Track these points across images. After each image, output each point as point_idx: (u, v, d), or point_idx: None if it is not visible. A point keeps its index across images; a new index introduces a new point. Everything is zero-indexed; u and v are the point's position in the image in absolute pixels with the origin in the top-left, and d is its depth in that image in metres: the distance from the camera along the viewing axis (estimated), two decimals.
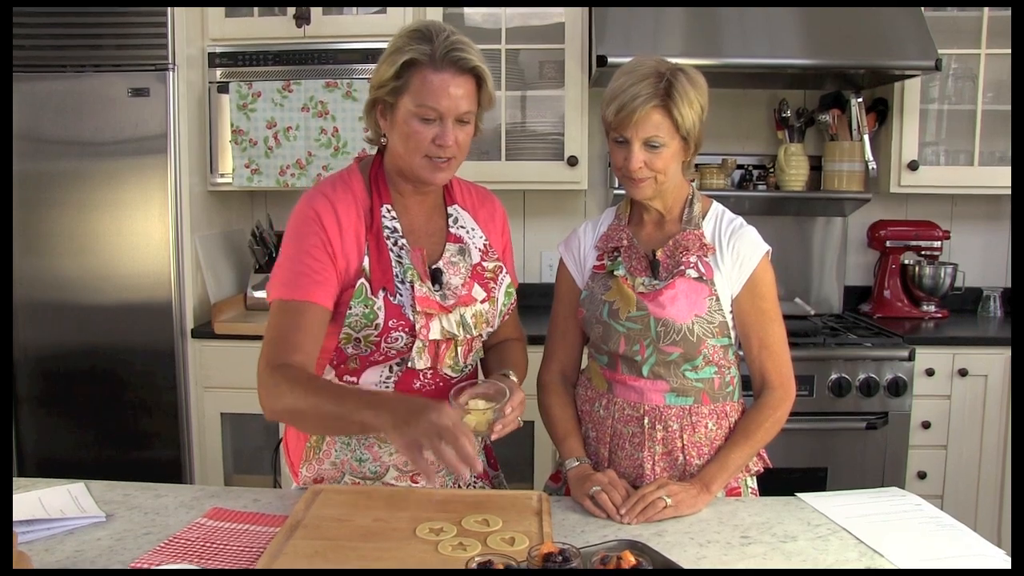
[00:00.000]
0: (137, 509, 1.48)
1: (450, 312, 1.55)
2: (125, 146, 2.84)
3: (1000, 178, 3.11)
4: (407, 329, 1.52)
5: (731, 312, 1.61)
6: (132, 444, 2.94)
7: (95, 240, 2.87)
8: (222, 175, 3.05)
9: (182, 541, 1.34)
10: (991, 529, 2.97)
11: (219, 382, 2.94)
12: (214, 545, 1.33)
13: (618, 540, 1.28)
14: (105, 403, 2.94)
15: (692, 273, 1.59)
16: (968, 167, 3.14)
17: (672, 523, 1.46)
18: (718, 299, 1.59)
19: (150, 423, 2.94)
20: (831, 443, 2.79)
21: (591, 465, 1.63)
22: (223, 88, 2.99)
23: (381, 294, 1.51)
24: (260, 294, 3.13)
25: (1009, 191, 3.19)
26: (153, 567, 1.24)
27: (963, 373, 2.88)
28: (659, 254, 1.63)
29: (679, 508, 1.47)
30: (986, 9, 3.05)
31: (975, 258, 3.46)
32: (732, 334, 1.63)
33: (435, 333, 1.54)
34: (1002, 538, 2.95)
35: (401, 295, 1.52)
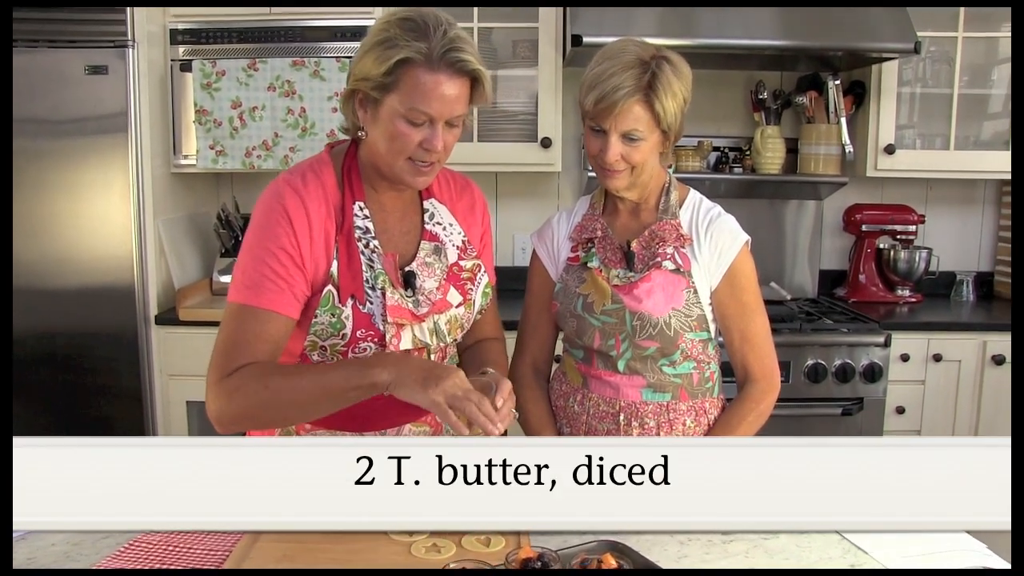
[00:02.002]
0: None
1: (423, 321, 1.47)
2: (83, 125, 2.73)
3: (975, 162, 3.11)
4: (376, 340, 1.44)
5: (710, 305, 1.58)
6: (95, 433, 2.83)
7: (53, 222, 2.77)
8: (186, 157, 2.96)
9: (142, 545, 1.29)
10: None
11: (184, 370, 2.86)
12: (177, 549, 1.28)
13: (597, 540, 1.24)
14: (66, 390, 2.85)
15: (669, 265, 1.55)
16: (944, 151, 3.12)
17: None
18: (696, 291, 1.55)
19: (113, 411, 2.86)
20: (806, 429, 2.78)
21: None
22: (186, 66, 2.89)
23: (350, 303, 1.42)
24: (226, 279, 3.05)
25: (984, 176, 3.21)
26: None
27: (937, 358, 2.88)
28: (634, 245, 1.59)
29: None
30: None
31: (949, 243, 3.46)
32: (711, 327, 1.59)
33: (406, 343, 1.46)
34: None
35: (371, 303, 1.43)
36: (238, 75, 2.86)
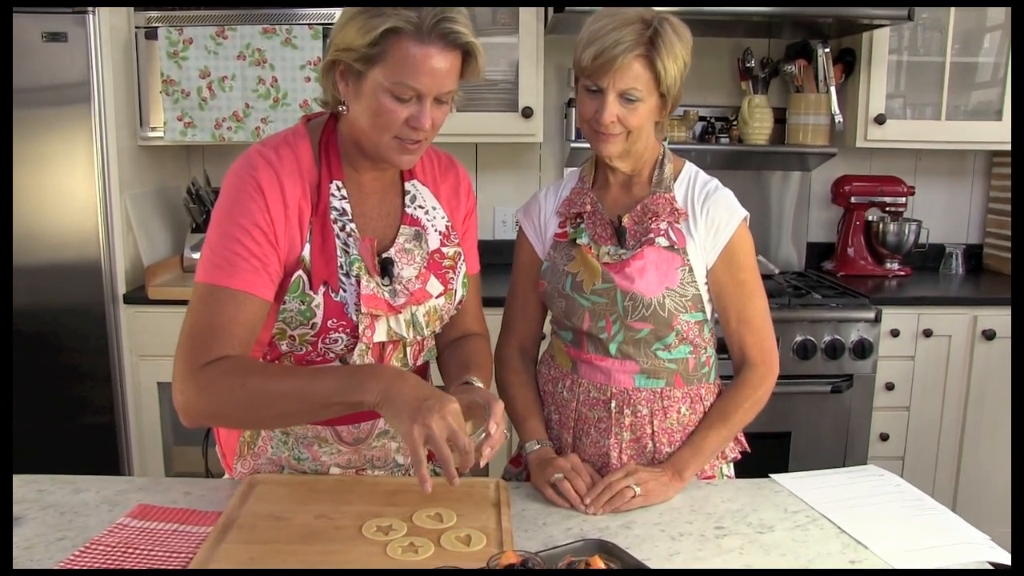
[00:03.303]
0: (52, 508, 1.32)
1: (400, 312, 1.38)
2: (42, 95, 2.59)
3: (966, 132, 3.06)
4: (348, 330, 1.34)
5: (706, 284, 1.49)
6: (63, 413, 2.76)
7: (13, 197, 2.63)
8: (153, 129, 2.83)
9: (100, 548, 1.20)
10: (949, 488, 2.97)
11: (155, 350, 2.76)
12: (136, 552, 1.19)
13: (584, 540, 1.17)
14: (32, 370, 2.73)
15: (662, 241, 1.47)
16: (935, 121, 3.06)
17: (641, 513, 1.35)
18: (691, 270, 1.47)
19: (82, 392, 2.76)
20: (795, 407, 2.73)
21: (553, 448, 1.51)
22: (151, 34, 2.75)
23: (322, 290, 1.31)
24: (198, 255, 2.93)
25: (974, 147, 3.14)
26: None
27: (928, 334, 2.83)
28: (626, 220, 1.50)
29: (649, 497, 1.37)
30: None
31: (938, 214, 3.42)
32: (707, 308, 1.51)
33: (380, 335, 1.37)
34: (957, 499, 2.97)
35: (344, 291, 1.33)
36: (206, 43, 2.73)
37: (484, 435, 1.22)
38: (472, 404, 1.27)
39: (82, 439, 2.76)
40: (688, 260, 1.47)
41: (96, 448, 2.78)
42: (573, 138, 3.11)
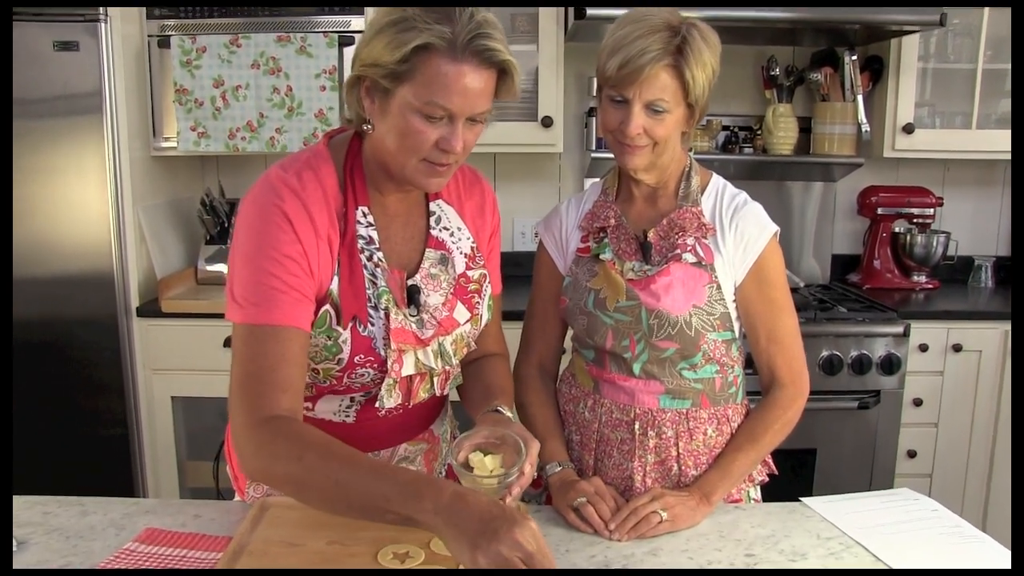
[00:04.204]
0: (57, 532, 1.28)
1: (427, 345, 1.31)
2: (53, 105, 2.55)
3: (997, 142, 2.96)
4: (376, 365, 1.27)
5: (734, 302, 1.44)
6: (76, 426, 2.72)
7: (24, 208, 2.61)
8: (166, 139, 2.80)
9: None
10: (977, 508, 2.89)
11: (168, 364, 2.72)
12: None
13: (610, 571, 1.11)
14: (45, 382, 2.70)
15: (689, 257, 1.41)
16: (965, 130, 2.98)
17: (667, 539, 1.29)
18: (719, 287, 1.41)
19: (95, 405, 2.72)
20: (821, 424, 2.66)
21: (575, 471, 1.45)
22: (164, 43, 2.71)
23: (350, 325, 1.24)
24: (212, 267, 2.91)
25: (1005, 156, 3.05)
26: None
27: (957, 348, 2.75)
28: (651, 235, 1.45)
29: (676, 523, 1.31)
30: None
31: (966, 226, 3.33)
32: (735, 327, 1.45)
33: (408, 368, 1.29)
34: (987, 517, 2.88)
35: (372, 325, 1.26)
36: (220, 52, 2.69)
37: (517, 475, 1.16)
38: (505, 438, 1.21)
39: (95, 452, 2.73)
40: (716, 277, 1.41)
41: (109, 462, 2.74)
42: (594, 148, 3.06)
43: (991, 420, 2.83)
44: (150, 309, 2.71)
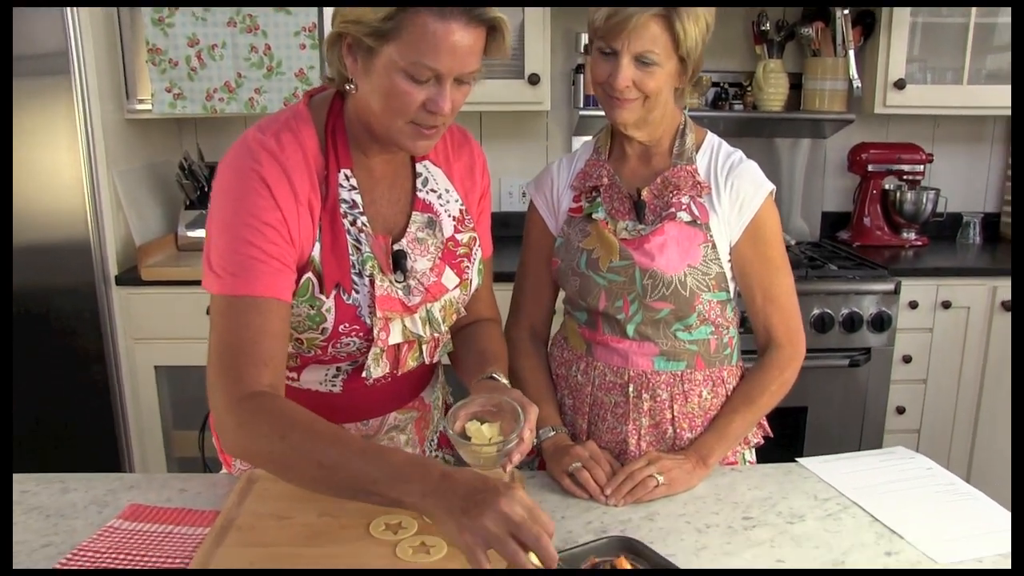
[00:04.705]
0: (37, 511, 1.24)
1: (415, 312, 1.27)
2: (18, 65, 2.43)
3: (988, 97, 2.94)
4: (362, 334, 1.23)
5: (729, 261, 1.40)
6: (59, 398, 2.67)
7: None
8: (140, 101, 2.72)
9: (88, 554, 1.11)
10: (963, 462, 2.92)
11: (150, 333, 2.67)
12: (128, 557, 1.11)
13: (607, 537, 1.09)
14: (24, 353, 2.63)
15: (684, 216, 1.37)
16: (956, 86, 2.95)
17: (664, 503, 1.27)
18: (715, 246, 1.38)
19: (77, 376, 2.67)
20: (812, 381, 2.65)
21: (568, 435, 1.43)
22: None
23: (333, 293, 1.20)
24: (193, 233, 2.85)
25: (996, 112, 3.02)
26: None
27: (946, 305, 2.75)
28: (645, 194, 1.41)
29: (672, 487, 1.29)
30: None
31: (956, 183, 3.32)
32: (731, 287, 1.42)
33: (396, 336, 1.25)
34: (972, 470, 2.92)
35: (357, 292, 1.21)
36: (193, 9, 2.60)
37: (516, 442, 1.13)
38: (503, 406, 1.17)
39: (78, 426, 2.68)
40: (711, 236, 1.38)
41: (93, 435, 2.70)
42: (582, 106, 3.00)
43: (977, 375, 2.84)
44: (130, 277, 2.64)
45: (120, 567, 1.08)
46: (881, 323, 2.64)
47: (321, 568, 1.06)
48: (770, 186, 1.39)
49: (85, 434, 2.69)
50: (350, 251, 1.21)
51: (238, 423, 1.11)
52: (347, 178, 1.23)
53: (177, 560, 1.10)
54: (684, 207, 1.37)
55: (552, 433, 1.41)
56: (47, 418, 2.67)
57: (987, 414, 2.86)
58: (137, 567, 1.08)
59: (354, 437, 1.12)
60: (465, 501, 0.97)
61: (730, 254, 1.40)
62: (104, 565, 1.08)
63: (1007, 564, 1.11)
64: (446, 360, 1.44)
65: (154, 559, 1.10)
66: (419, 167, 1.32)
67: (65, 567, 1.08)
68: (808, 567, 1.10)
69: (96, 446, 2.70)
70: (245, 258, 1.13)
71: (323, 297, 1.19)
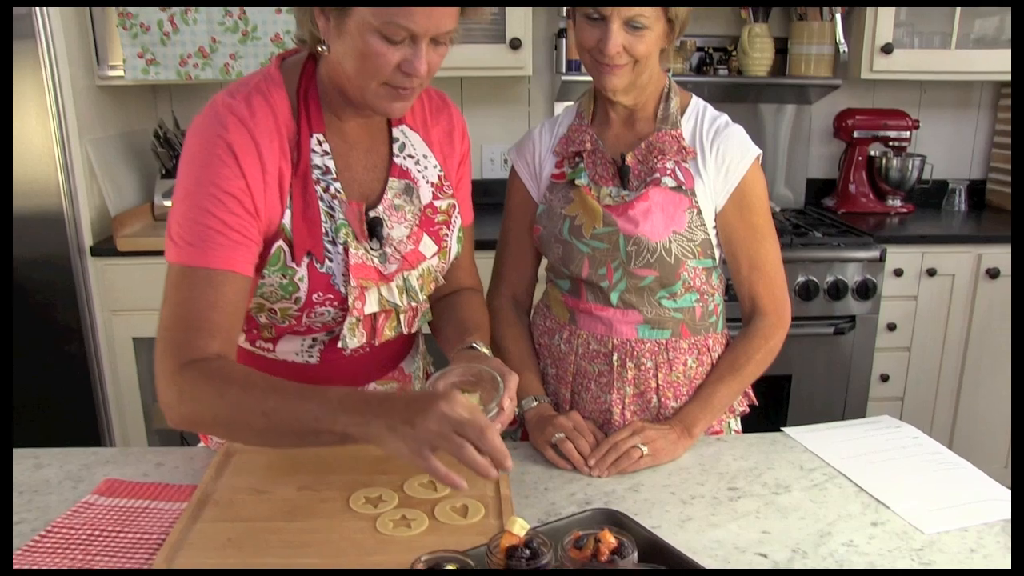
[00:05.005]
0: None
1: (391, 281, 1.24)
2: None
3: (975, 62, 2.91)
4: (336, 303, 1.20)
5: (715, 228, 1.38)
6: (36, 374, 2.63)
7: None
8: (112, 67, 2.64)
9: (63, 531, 1.09)
10: (945, 430, 2.93)
11: (128, 304, 2.62)
12: (103, 534, 1.08)
13: (591, 510, 1.07)
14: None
15: (669, 182, 1.34)
16: (944, 50, 2.92)
17: (649, 475, 1.26)
18: (700, 212, 1.35)
19: (53, 349, 2.62)
20: (796, 349, 2.65)
21: (551, 405, 1.41)
22: None
23: (305, 261, 1.17)
24: (169, 203, 2.77)
25: (984, 77, 3.00)
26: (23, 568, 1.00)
27: (931, 273, 2.74)
28: (629, 159, 1.37)
29: (657, 457, 1.27)
30: None
31: (941, 149, 3.30)
32: (716, 254, 1.40)
33: (372, 306, 1.22)
34: (954, 438, 2.93)
35: (331, 261, 1.18)
36: None
37: (496, 411, 1.10)
38: (482, 375, 1.15)
39: (57, 398, 2.64)
40: (696, 202, 1.35)
41: (72, 409, 2.66)
42: (564, 71, 2.96)
43: (961, 343, 2.84)
44: (105, 248, 2.59)
45: (95, 543, 1.06)
46: (866, 291, 2.63)
47: (300, 546, 1.04)
48: (756, 151, 1.37)
49: (64, 408, 2.66)
50: (323, 218, 1.18)
51: (179, 392, 1.08)
52: (320, 143, 1.19)
53: (153, 535, 1.08)
54: (669, 172, 1.34)
55: (535, 403, 1.39)
56: (24, 393, 2.63)
57: (970, 382, 2.87)
58: (112, 543, 1.06)
59: (291, 383, 1.10)
60: (406, 412, 0.97)
61: (715, 220, 1.38)
62: (79, 542, 1.06)
63: (992, 533, 1.10)
64: (427, 330, 1.41)
65: (130, 535, 1.08)
66: (396, 132, 1.28)
67: (39, 544, 1.05)
68: (794, 538, 1.09)
69: (75, 420, 2.66)
70: (204, 228, 1.10)
71: (295, 266, 1.16)
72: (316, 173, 1.18)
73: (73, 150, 2.50)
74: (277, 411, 1.04)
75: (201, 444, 1.42)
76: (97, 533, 1.08)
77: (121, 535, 1.08)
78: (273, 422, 1.04)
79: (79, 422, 2.67)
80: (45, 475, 1.24)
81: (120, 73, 2.64)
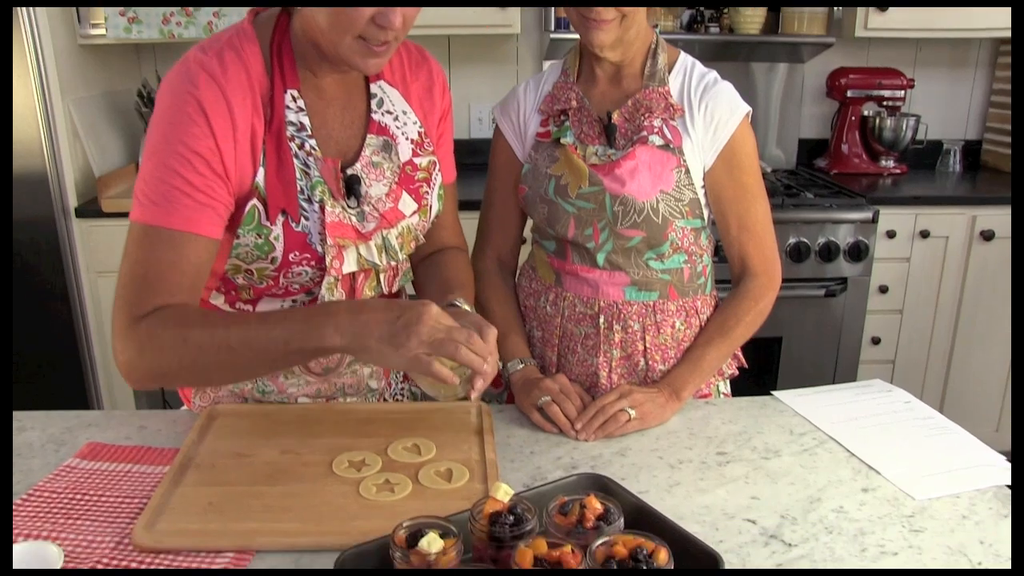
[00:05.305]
0: None
1: (369, 239, 1.22)
2: None
3: (972, 19, 2.87)
4: (313, 263, 1.18)
5: (703, 187, 1.35)
6: (22, 336, 2.61)
7: None
8: (94, 25, 2.59)
9: (44, 495, 1.08)
10: (936, 392, 2.93)
11: (113, 266, 2.49)
12: (85, 498, 1.07)
13: (576, 475, 1.06)
14: None
15: (656, 140, 1.32)
16: (939, 8, 2.86)
17: (636, 439, 1.25)
18: (688, 172, 1.33)
19: (39, 312, 2.61)
20: (787, 311, 2.64)
21: (538, 368, 1.39)
22: None
23: (280, 220, 1.15)
24: None
25: (981, 35, 2.95)
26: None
27: (924, 235, 2.72)
28: (615, 117, 1.35)
29: (644, 421, 1.26)
30: None
31: (936, 109, 3.27)
32: (705, 214, 1.37)
33: (350, 265, 1.21)
34: (945, 401, 2.93)
35: (307, 219, 1.16)
36: None
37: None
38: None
39: (44, 361, 2.63)
40: (684, 161, 1.32)
41: (59, 372, 2.65)
42: (553, 28, 2.90)
43: (954, 306, 2.83)
44: (90, 209, 2.56)
45: (77, 507, 1.05)
46: (858, 252, 2.62)
47: (282, 510, 1.03)
48: (746, 108, 1.34)
49: (51, 371, 2.64)
50: (297, 176, 1.15)
51: (139, 347, 1.08)
52: (294, 99, 1.16)
53: (136, 499, 1.07)
54: (656, 130, 1.32)
55: (521, 366, 1.38)
56: (13, 355, 2.61)
57: (962, 345, 2.87)
58: (94, 507, 1.05)
59: (251, 313, 1.12)
60: (389, 327, 1.02)
61: (704, 180, 1.35)
62: (61, 505, 1.05)
63: (985, 500, 1.09)
64: (412, 291, 1.39)
65: (112, 499, 1.07)
66: (374, 87, 1.25)
67: (20, 508, 1.04)
68: (783, 504, 1.08)
69: (62, 382, 2.65)
70: (169, 188, 1.08)
71: (269, 225, 1.14)
72: (290, 130, 1.15)
73: (56, 110, 2.46)
74: (244, 344, 1.06)
75: (184, 407, 1.40)
76: (79, 497, 1.07)
77: (103, 499, 1.07)
78: (242, 356, 1.06)
79: (66, 384, 2.66)
80: (28, 438, 1.23)
81: (102, 32, 2.59)
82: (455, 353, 1.02)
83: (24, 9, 2.33)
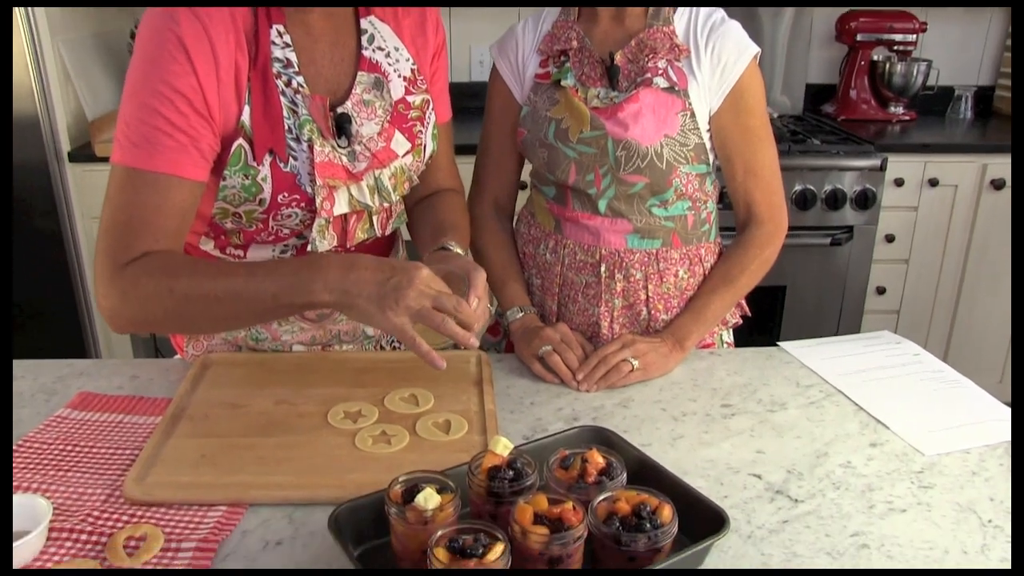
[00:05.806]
0: None
1: (361, 179, 1.18)
2: None
3: None
4: (303, 204, 1.15)
5: (709, 131, 1.31)
6: (18, 283, 2.58)
7: None
8: None
9: (34, 446, 1.05)
10: (941, 342, 2.90)
11: None
12: (75, 449, 1.05)
13: (578, 428, 1.03)
14: None
15: (660, 82, 1.27)
16: None
17: (639, 389, 1.23)
18: (693, 115, 1.28)
19: (34, 259, 2.57)
20: (791, 260, 2.60)
21: (538, 316, 1.36)
22: None
23: (267, 160, 1.11)
24: None
25: None
26: None
27: (933, 183, 2.67)
28: (618, 58, 1.29)
29: (647, 371, 1.24)
30: None
31: (949, 54, 3.18)
32: (710, 159, 1.33)
33: (341, 207, 1.17)
34: (949, 352, 2.91)
35: (295, 159, 1.12)
36: None
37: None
38: (449, 276, 1.10)
39: (41, 308, 2.60)
40: (690, 104, 1.28)
41: (57, 316, 2.63)
42: None
43: (961, 256, 2.79)
44: (83, 154, 2.52)
45: (68, 459, 1.03)
46: (865, 200, 2.57)
47: (276, 462, 1.01)
48: (755, 49, 1.28)
49: (47, 317, 2.62)
50: (285, 114, 1.11)
51: (123, 295, 1.06)
52: (280, 35, 1.11)
53: (127, 450, 1.05)
54: (661, 72, 1.27)
55: (520, 314, 1.35)
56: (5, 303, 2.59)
57: (968, 296, 2.84)
58: (85, 458, 1.03)
59: (239, 264, 1.09)
60: (379, 288, 1.01)
61: (710, 123, 1.30)
62: (51, 456, 1.03)
63: (995, 456, 1.07)
64: (407, 235, 1.36)
65: (103, 450, 1.05)
66: (364, 23, 1.20)
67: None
68: (789, 458, 1.06)
69: (59, 329, 2.63)
70: (150, 129, 1.04)
71: (256, 165, 1.11)
72: (276, 67, 1.11)
73: (45, 51, 2.39)
74: (231, 295, 1.04)
75: (177, 356, 1.38)
76: (70, 448, 1.05)
77: (94, 450, 1.05)
78: (230, 309, 1.05)
79: (63, 331, 2.64)
80: (18, 387, 1.21)
81: None
82: (440, 326, 1.01)
83: None
